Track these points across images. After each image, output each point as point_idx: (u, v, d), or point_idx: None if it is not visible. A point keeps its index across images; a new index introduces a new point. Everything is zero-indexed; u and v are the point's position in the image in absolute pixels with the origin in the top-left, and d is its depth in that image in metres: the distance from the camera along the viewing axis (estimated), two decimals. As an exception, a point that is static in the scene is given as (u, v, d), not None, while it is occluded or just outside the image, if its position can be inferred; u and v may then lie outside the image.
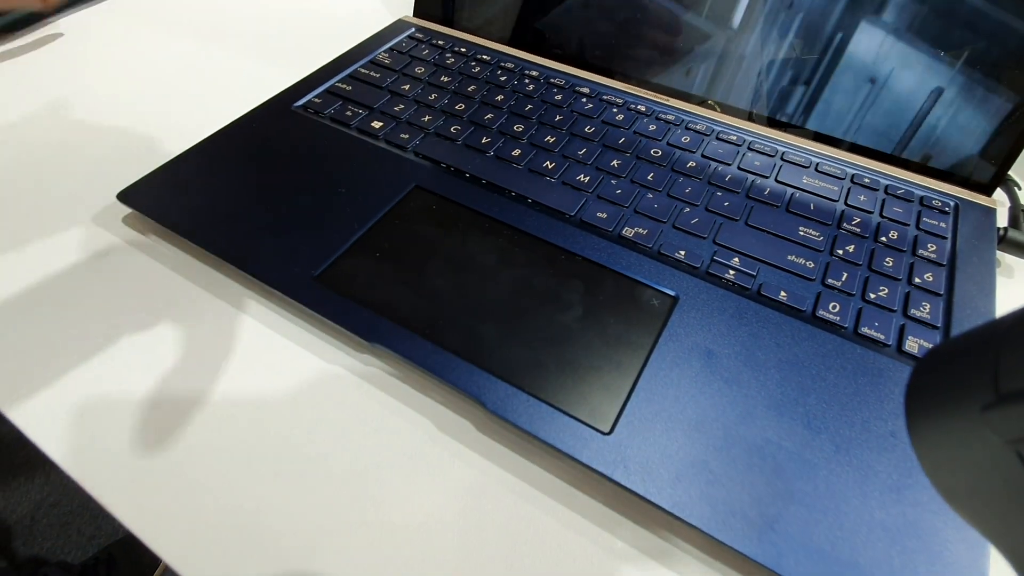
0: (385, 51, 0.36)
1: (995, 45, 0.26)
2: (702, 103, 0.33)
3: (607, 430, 0.19)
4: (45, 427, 0.20)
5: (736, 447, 0.19)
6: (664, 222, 0.27)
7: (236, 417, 0.21)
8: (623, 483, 0.18)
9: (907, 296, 0.24)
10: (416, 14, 0.40)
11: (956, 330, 0.23)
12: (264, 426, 0.21)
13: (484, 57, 0.36)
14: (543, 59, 0.36)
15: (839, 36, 0.29)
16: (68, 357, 0.22)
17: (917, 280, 0.24)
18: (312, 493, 0.19)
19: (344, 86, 0.33)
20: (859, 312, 0.23)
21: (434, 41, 0.37)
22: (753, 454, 0.19)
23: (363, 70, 0.35)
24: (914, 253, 0.26)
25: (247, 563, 0.18)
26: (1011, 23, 0.26)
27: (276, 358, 0.22)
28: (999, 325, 0.10)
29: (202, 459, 0.20)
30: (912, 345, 0.22)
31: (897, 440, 0.19)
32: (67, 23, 0.41)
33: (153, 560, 0.92)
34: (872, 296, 0.24)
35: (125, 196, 0.26)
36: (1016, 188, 0.30)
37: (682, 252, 0.25)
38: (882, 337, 0.22)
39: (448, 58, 0.36)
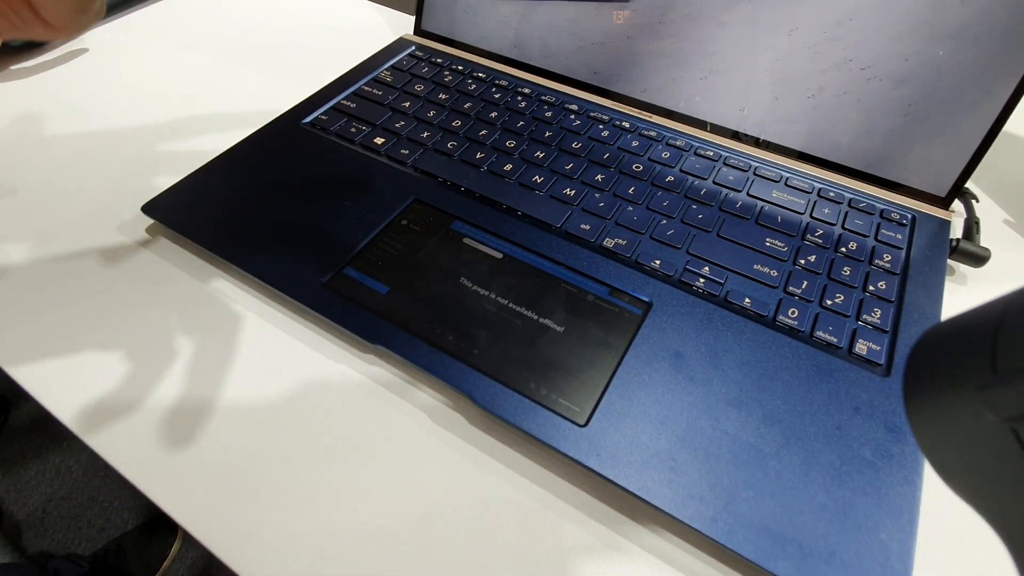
0: (387, 69, 0.39)
1: (955, 64, 0.28)
2: (684, 120, 0.35)
3: (583, 423, 0.22)
4: (79, 413, 0.23)
5: (697, 438, 0.21)
6: (642, 233, 0.29)
7: (253, 409, 0.23)
8: (595, 469, 0.21)
9: (861, 302, 0.26)
10: (416, 32, 0.42)
11: (904, 334, 0.25)
12: (277, 417, 0.23)
13: (480, 75, 0.38)
14: (535, 77, 0.38)
15: (811, 58, 0.31)
16: (101, 353, 0.25)
17: (871, 288, 0.27)
18: (321, 475, 0.22)
19: (349, 103, 0.36)
20: (816, 317, 0.26)
21: (433, 59, 0.40)
22: (712, 445, 0.21)
23: (366, 88, 0.37)
24: (870, 263, 0.28)
25: (260, 530, 0.20)
26: (965, 47, 0.28)
27: (288, 357, 0.25)
28: (997, 306, 0.10)
29: (224, 445, 0.22)
30: (862, 347, 0.24)
31: (841, 432, 0.22)
32: (91, 38, 0.43)
33: (161, 552, 0.95)
34: (829, 303, 0.26)
35: (148, 208, 0.29)
36: (974, 200, 0.33)
37: (657, 261, 0.28)
38: (835, 340, 0.25)
39: (446, 76, 0.38)
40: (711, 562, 0.20)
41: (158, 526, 0.96)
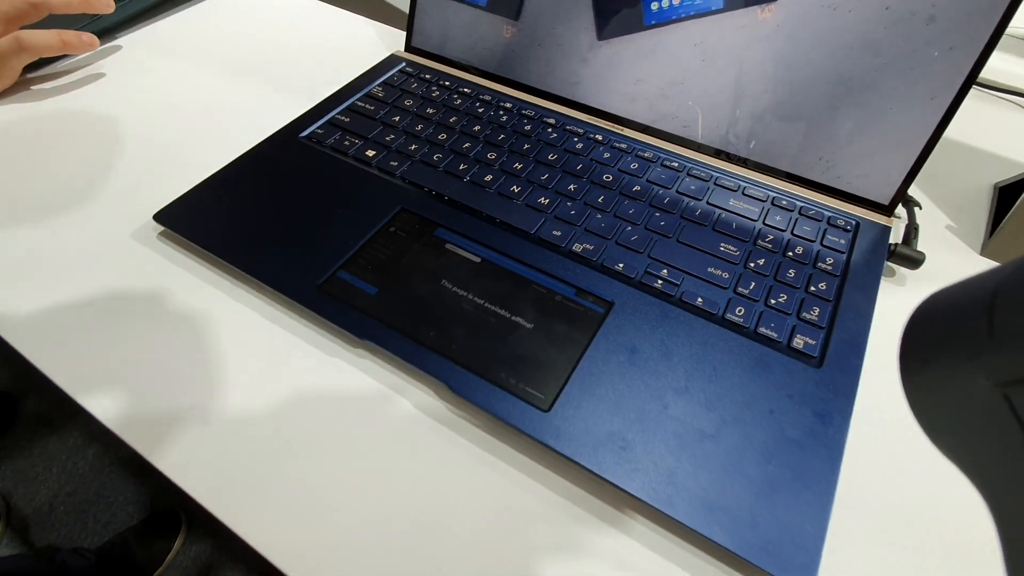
0: (379, 84, 0.42)
1: (891, 82, 0.31)
2: (653, 133, 0.38)
3: (547, 408, 0.25)
4: (101, 401, 0.26)
5: (646, 422, 0.24)
6: (608, 239, 0.32)
7: (255, 397, 0.26)
8: (556, 448, 0.23)
9: (802, 302, 0.29)
10: (407, 49, 0.45)
11: (838, 330, 0.28)
12: (276, 404, 0.26)
13: (465, 90, 0.41)
14: (516, 92, 0.41)
15: (772, 77, 0.34)
16: (118, 348, 0.28)
17: (812, 288, 0.30)
18: (313, 454, 0.24)
19: (343, 118, 0.39)
20: (760, 315, 0.28)
21: (422, 75, 0.42)
22: (659, 427, 0.24)
23: (359, 103, 0.40)
24: (814, 265, 0.31)
25: (274, 512, 0.23)
26: (901, 72, 0.31)
27: (285, 352, 0.28)
28: (998, 273, 0.10)
29: (236, 427, 0.25)
30: (799, 342, 0.27)
31: (774, 416, 0.25)
32: (104, 56, 0.46)
33: (165, 545, 0.98)
34: (772, 302, 0.29)
35: (160, 216, 0.32)
36: (917, 208, 0.36)
37: (621, 265, 0.30)
38: (775, 336, 0.28)
39: (433, 91, 0.41)
40: (655, 528, 0.23)
41: (162, 520, 0.99)
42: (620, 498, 0.24)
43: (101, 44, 0.46)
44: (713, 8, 0.33)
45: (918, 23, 0.29)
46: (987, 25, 0.28)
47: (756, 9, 0.32)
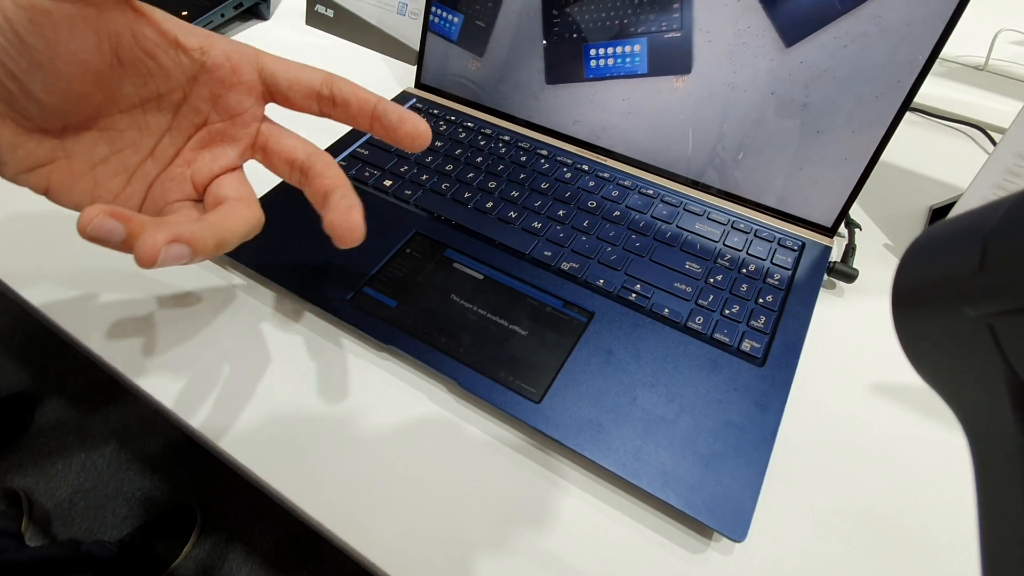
0: (392, 120, 0.47)
1: (827, 122, 0.37)
2: (633, 163, 0.44)
3: (538, 400, 0.30)
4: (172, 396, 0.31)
5: (618, 410, 0.30)
6: (591, 258, 0.38)
7: (296, 392, 0.32)
8: (545, 431, 0.29)
9: (751, 312, 0.35)
10: (417, 85, 0.51)
11: (780, 335, 0.34)
12: (314, 398, 0.32)
13: (468, 124, 0.47)
14: (513, 125, 0.47)
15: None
16: (184, 352, 0.33)
17: (760, 300, 0.35)
18: (350, 438, 0.30)
19: (363, 151, 0.44)
20: (716, 323, 0.34)
21: (430, 110, 0.48)
22: (628, 414, 0.30)
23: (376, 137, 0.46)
24: (763, 280, 0.37)
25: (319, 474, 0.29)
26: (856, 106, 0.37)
27: (321, 355, 0.34)
28: (993, 211, 0.10)
29: (275, 416, 0.31)
30: (747, 346, 0.33)
31: (722, 405, 0.30)
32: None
33: (181, 539, 1.03)
34: (727, 312, 0.35)
35: (210, 240, 0.37)
36: (857, 229, 0.41)
37: (602, 280, 0.36)
38: (728, 340, 0.33)
39: (441, 125, 0.47)
40: (622, 493, 0.29)
41: (178, 515, 1.04)
42: (597, 471, 0.30)
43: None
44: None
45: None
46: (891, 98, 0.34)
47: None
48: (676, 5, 0.39)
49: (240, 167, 0.26)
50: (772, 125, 0.39)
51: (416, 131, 0.25)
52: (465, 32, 0.46)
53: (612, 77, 0.42)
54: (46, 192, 0.23)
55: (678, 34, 0.39)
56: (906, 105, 0.35)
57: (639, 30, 0.40)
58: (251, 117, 0.26)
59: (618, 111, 0.43)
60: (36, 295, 0.35)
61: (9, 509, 1.04)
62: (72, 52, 0.20)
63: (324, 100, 0.25)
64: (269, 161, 0.26)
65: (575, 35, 0.42)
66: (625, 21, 0.40)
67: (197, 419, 0.31)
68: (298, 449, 0.30)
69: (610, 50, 0.41)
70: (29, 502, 1.09)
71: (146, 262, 0.19)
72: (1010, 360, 0.09)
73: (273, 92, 0.25)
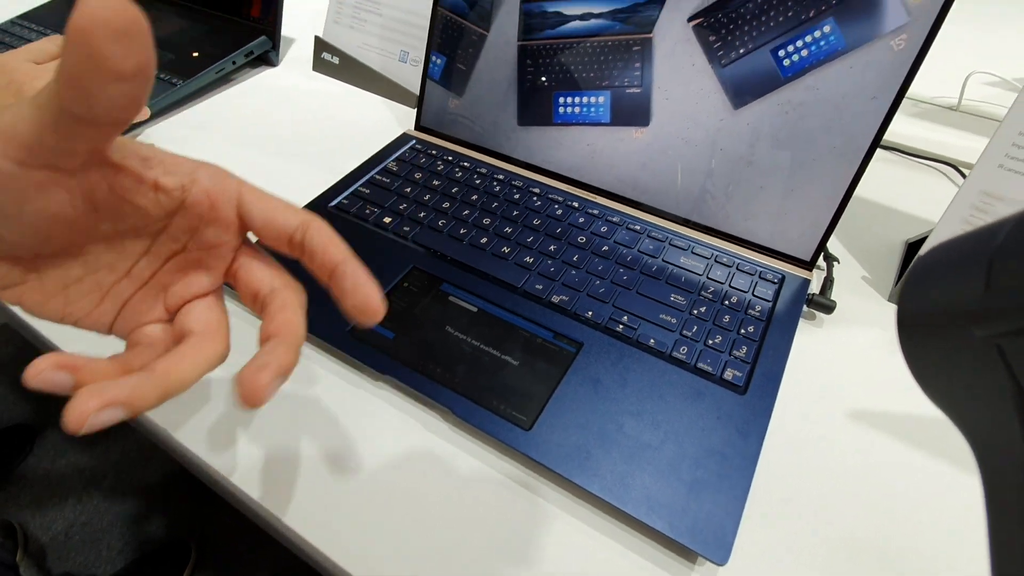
0: (393, 160, 0.50)
1: (802, 165, 0.40)
2: (623, 201, 0.46)
3: (528, 428, 0.32)
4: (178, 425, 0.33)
5: (605, 438, 0.31)
6: (581, 291, 0.39)
7: (293, 420, 0.33)
8: (535, 458, 0.30)
9: (733, 342, 0.36)
10: (416, 128, 0.54)
11: (761, 364, 0.35)
12: (311, 426, 0.33)
13: (465, 164, 0.50)
14: (506, 164, 0.50)
15: (696, 166, 0.42)
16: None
17: (742, 331, 0.37)
18: (345, 466, 0.31)
19: (364, 190, 0.47)
20: (699, 353, 0.36)
21: (429, 151, 0.51)
22: (615, 442, 0.31)
23: (377, 176, 0.48)
24: (745, 312, 0.38)
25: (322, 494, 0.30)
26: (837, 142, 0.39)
27: (321, 382, 0.35)
28: (999, 227, 0.10)
29: (273, 443, 0.32)
30: (729, 375, 0.35)
31: (705, 433, 0.32)
32: (153, 132, 0.55)
33: (176, 573, 1.02)
34: (710, 342, 0.36)
35: (218, 275, 0.39)
36: (835, 262, 0.43)
37: (590, 312, 0.38)
38: (711, 370, 0.35)
39: (438, 165, 0.50)
40: (608, 518, 0.30)
41: (173, 549, 1.03)
42: (584, 496, 0.31)
43: (147, 124, 0.54)
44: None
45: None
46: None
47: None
48: (637, 65, 0.43)
49: (214, 292, 0.25)
50: (728, 174, 0.41)
51: (364, 306, 0.23)
52: (446, 73, 0.50)
53: (578, 124, 0.46)
54: (18, 305, 0.22)
55: (638, 90, 0.43)
56: (871, 152, 0.37)
57: (603, 83, 0.44)
58: (228, 249, 0.25)
59: (582, 154, 0.47)
60: (45, 324, 0.37)
61: (5, 541, 1.04)
62: (41, 208, 0.19)
63: (295, 245, 0.24)
64: (237, 289, 0.25)
65: (546, 83, 0.46)
66: (591, 75, 0.44)
67: (199, 447, 0.32)
68: (294, 475, 0.31)
69: (577, 99, 0.46)
70: (24, 535, 1.08)
71: (72, 428, 0.18)
72: (1019, 379, 0.09)
73: (248, 227, 0.25)
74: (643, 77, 0.42)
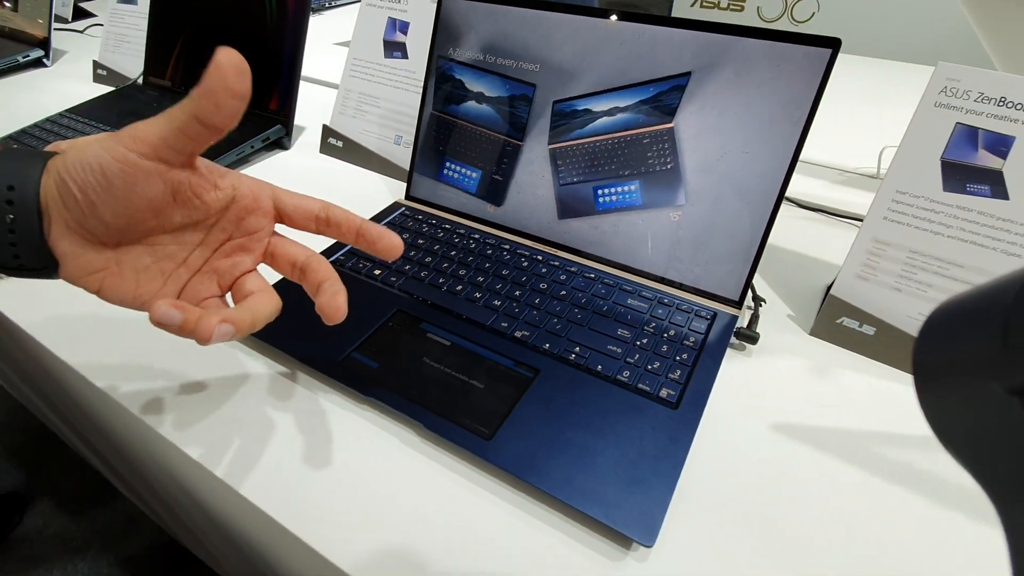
0: (385, 224, 0.58)
1: (724, 222, 0.47)
2: (579, 254, 0.54)
3: (488, 438, 0.37)
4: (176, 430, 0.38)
5: (555, 445, 0.36)
6: (540, 327, 0.46)
7: (294, 436, 0.38)
8: (493, 462, 0.35)
9: (669, 367, 0.42)
10: (406, 197, 0.63)
11: (692, 385, 0.41)
12: (305, 440, 0.38)
13: (445, 226, 0.58)
14: (482, 226, 0.58)
15: (663, 204, 0.50)
16: (199, 394, 0.40)
17: (677, 358, 0.43)
18: (334, 471, 0.36)
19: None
20: (640, 375, 0.42)
21: (416, 216, 0.59)
22: (563, 448, 0.36)
23: (370, 237, 0.56)
24: (680, 343, 0.45)
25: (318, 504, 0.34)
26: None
27: (314, 405, 0.41)
28: (1011, 286, 0.10)
29: (282, 440, 0.37)
30: (664, 393, 0.40)
31: (641, 440, 0.37)
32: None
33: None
34: (649, 367, 0.42)
35: (229, 319, 0.46)
36: (762, 303, 0.50)
37: (548, 344, 0.44)
38: (649, 389, 0.41)
39: (424, 228, 0.58)
40: (555, 512, 0.34)
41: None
42: (535, 493, 0.35)
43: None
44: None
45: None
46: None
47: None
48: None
49: (255, 269, 0.33)
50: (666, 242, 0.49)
51: (391, 245, 0.32)
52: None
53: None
54: (97, 292, 0.28)
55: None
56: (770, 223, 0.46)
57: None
58: (264, 233, 0.32)
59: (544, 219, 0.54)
60: (69, 354, 0.43)
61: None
62: (142, 192, 0.26)
63: (321, 221, 0.33)
64: (276, 263, 0.33)
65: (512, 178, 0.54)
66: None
67: (196, 453, 0.37)
68: (287, 478, 0.36)
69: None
70: (6, 607, 1.06)
71: (203, 338, 0.25)
72: None
73: (281, 215, 0.33)
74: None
